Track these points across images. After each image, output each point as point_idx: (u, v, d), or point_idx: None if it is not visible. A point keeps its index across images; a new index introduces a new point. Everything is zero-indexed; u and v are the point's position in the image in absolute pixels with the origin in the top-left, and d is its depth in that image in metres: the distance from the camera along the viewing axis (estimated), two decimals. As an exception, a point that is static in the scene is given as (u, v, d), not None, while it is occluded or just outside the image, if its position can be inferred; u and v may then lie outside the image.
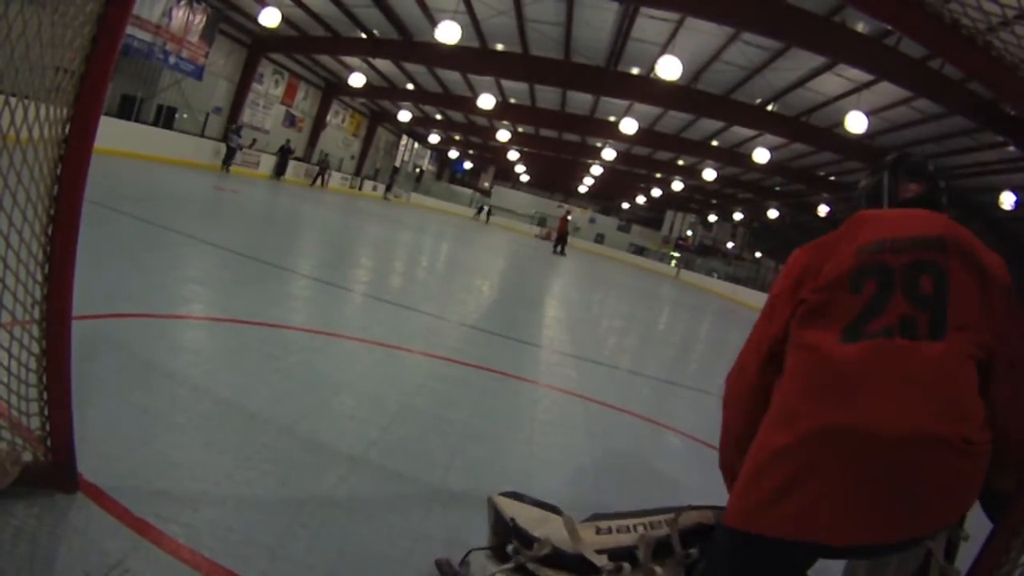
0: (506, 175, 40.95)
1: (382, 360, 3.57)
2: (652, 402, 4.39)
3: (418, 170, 38.03)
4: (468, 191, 39.07)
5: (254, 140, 18.00)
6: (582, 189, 37.62)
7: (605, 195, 40.32)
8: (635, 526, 1.26)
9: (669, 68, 10.07)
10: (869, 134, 11.55)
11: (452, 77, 18.02)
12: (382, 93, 21.68)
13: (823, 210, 20.43)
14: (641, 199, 35.62)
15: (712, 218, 36.49)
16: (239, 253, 5.75)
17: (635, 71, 13.38)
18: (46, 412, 1.47)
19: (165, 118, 15.03)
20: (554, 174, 36.73)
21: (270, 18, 12.75)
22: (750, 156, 15.57)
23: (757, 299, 18.97)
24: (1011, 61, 1.25)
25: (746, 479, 1.07)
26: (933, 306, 1.04)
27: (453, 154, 37.82)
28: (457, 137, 31.17)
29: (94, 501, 1.51)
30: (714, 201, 31.34)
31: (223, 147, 16.24)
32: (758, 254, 35.33)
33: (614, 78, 13.41)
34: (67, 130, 1.36)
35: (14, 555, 1.29)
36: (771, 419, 1.09)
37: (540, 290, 10.46)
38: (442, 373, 3.59)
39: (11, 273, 1.36)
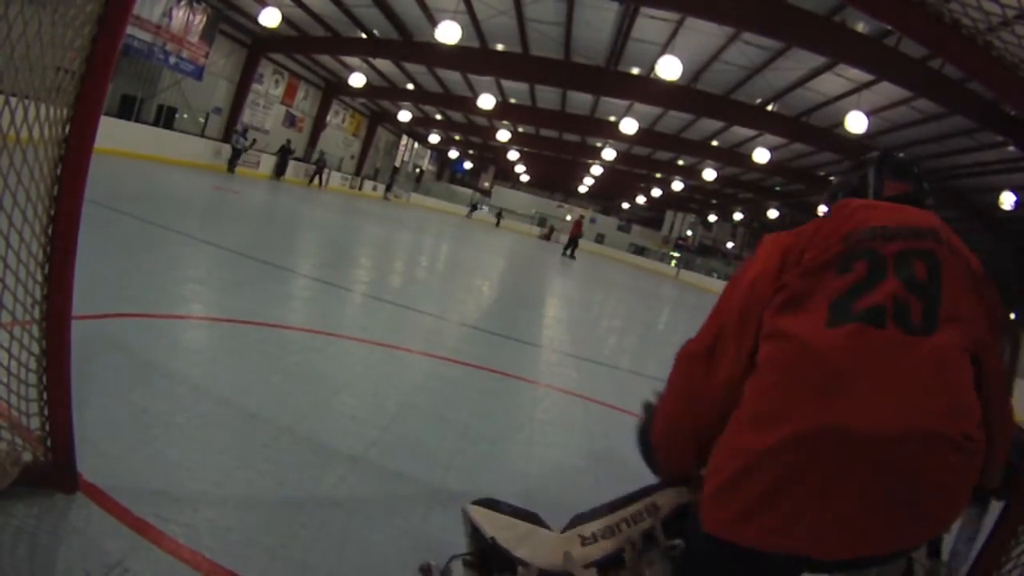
0: (506, 175, 40.95)
1: (382, 360, 3.57)
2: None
3: (418, 170, 38.02)
4: (468, 191, 39.06)
5: (254, 140, 18.02)
6: (582, 189, 37.62)
7: (605, 195, 40.33)
8: (618, 525, 1.20)
9: (669, 68, 10.07)
10: (869, 134, 11.54)
11: (452, 77, 18.01)
12: (382, 93, 21.67)
13: (822, 210, 20.33)
14: (641, 199, 35.61)
15: (712, 218, 36.49)
16: (239, 253, 5.75)
17: (635, 71, 13.38)
18: (46, 412, 1.47)
19: (165, 118, 15.04)
20: (554, 174, 36.73)
21: (270, 18, 12.75)
22: (750, 156, 15.56)
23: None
24: (1011, 61, 1.25)
25: (722, 484, 0.97)
26: (927, 293, 0.98)
27: (453, 154, 37.81)
28: (457, 137, 31.17)
29: (94, 501, 1.52)
30: (714, 201, 31.33)
31: (223, 147, 16.29)
32: (758, 254, 35.25)
33: (614, 78, 13.41)
34: (67, 130, 1.36)
35: (14, 555, 1.29)
36: (745, 418, 0.98)
37: (540, 290, 10.46)
38: (442, 373, 3.59)
39: (11, 273, 1.36)
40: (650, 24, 10.77)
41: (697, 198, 31.97)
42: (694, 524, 1.02)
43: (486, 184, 41.17)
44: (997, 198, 12.67)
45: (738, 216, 32.45)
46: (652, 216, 40.98)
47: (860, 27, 8.74)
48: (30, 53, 1.24)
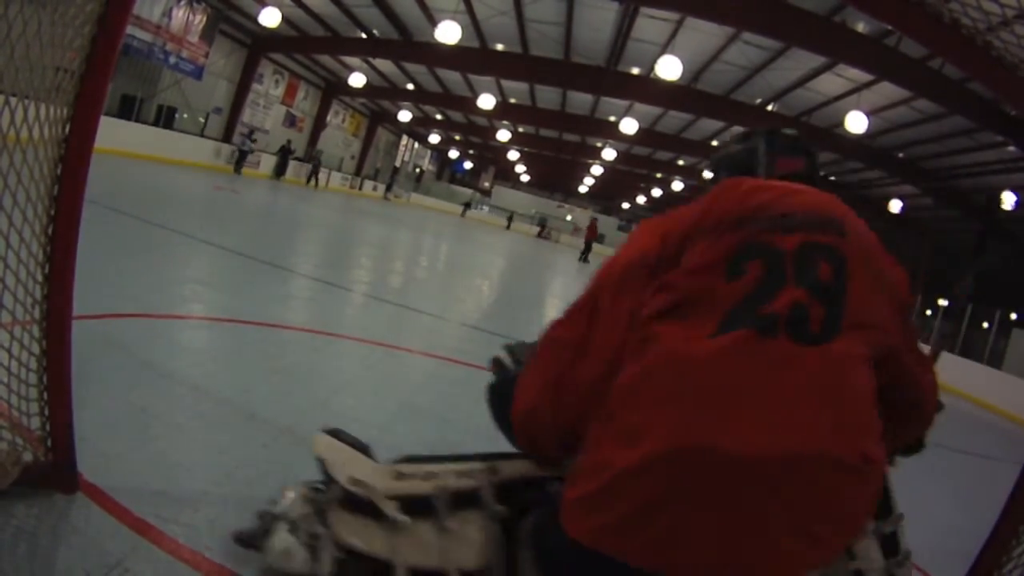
0: (506, 175, 40.95)
1: (382, 360, 3.57)
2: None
3: (418, 170, 38.03)
4: (468, 191, 39.07)
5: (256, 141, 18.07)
6: (582, 189, 37.61)
7: (605, 195, 40.32)
8: (442, 474, 1.16)
9: (669, 68, 10.08)
10: (869, 134, 11.55)
11: (452, 77, 18.01)
12: (382, 93, 21.67)
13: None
14: (641, 199, 35.61)
15: (712, 218, 36.44)
16: (239, 253, 5.75)
17: (635, 71, 13.38)
18: (46, 412, 1.47)
19: (165, 118, 15.04)
20: (554, 174, 36.72)
21: (270, 18, 12.75)
22: (750, 156, 15.55)
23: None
24: (1011, 61, 1.25)
25: (588, 495, 0.86)
26: (831, 296, 0.86)
27: (453, 154, 37.81)
28: (457, 137, 31.16)
29: (94, 501, 1.51)
30: (714, 201, 31.30)
31: (223, 147, 16.34)
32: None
33: (614, 78, 13.41)
34: (67, 130, 1.36)
35: (14, 555, 1.29)
36: (612, 428, 0.87)
37: (540, 290, 10.45)
38: (443, 373, 3.59)
39: (11, 273, 1.36)
40: (650, 24, 10.78)
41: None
42: (553, 518, 0.91)
43: (486, 184, 41.17)
44: (997, 198, 12.67)
45: (738, 216, 32.40)
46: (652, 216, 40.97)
47: (860, 27, 8.74)
48: (30, 53, 1.24)
